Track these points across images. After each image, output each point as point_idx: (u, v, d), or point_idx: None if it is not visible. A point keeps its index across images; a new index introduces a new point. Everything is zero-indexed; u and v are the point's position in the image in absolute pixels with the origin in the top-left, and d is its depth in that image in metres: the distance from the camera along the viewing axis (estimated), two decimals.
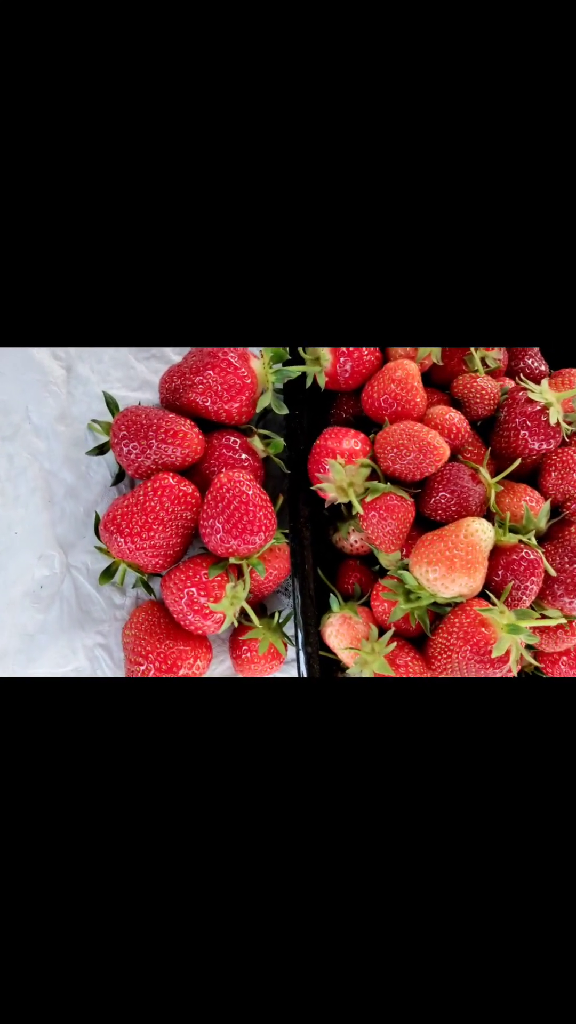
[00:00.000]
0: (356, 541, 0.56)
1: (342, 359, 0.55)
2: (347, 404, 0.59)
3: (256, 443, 0.55)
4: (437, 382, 0.60)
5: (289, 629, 0.55)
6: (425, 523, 0.53)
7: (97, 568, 0.54)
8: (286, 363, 0.55)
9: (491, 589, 0.50)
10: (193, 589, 0.48)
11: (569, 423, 0.55)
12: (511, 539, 0.50)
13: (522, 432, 0.54)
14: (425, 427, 0.51)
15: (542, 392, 0.54)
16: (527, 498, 0.54)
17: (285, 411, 0.55)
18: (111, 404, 0.54)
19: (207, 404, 0.53)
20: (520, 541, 0.50)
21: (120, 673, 0.54)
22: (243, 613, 0.52)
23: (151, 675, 0.48)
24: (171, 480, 0.50)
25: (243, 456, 0.54)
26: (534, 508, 0.53)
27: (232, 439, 0.54)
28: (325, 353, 0.55)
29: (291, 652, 0.55)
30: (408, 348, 0.57)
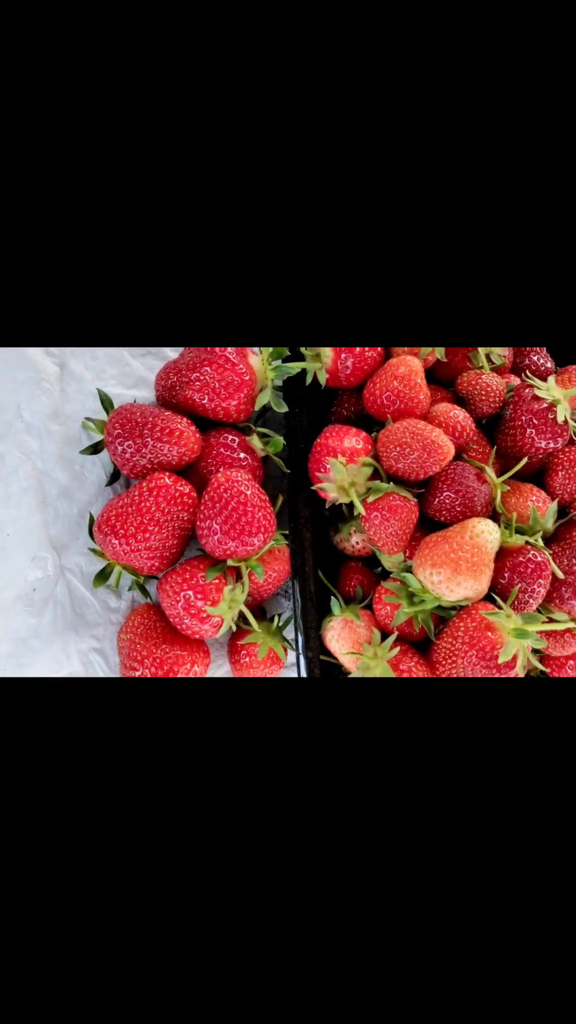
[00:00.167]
0: (358, 542, 0.55)
1: (343, 355, 0.54)
2: (348, 402, 0.58)
3: (255, 442, 0.55)
4: (441, 379, 0.60)
5: (289, 633, 0.54)
6: (429, 524, 0.53)
7: (91, 570, 0.54)
8: (286, 359, 0.54)
9: (497, 592, 0.49)
10: (190, 592, 0.47)
11: None
12: (517, 540, 0.50)
13: (528, 430, 0.53)
14: (429, 425, 0.50)
15: (549, 389, 0.53)
16: (533, 498, 0.53)
17: (285, 409, 0.54)
18: (105, 402, 0.54)
19: (204, 401, 0.52)
20: (527, 542, 0.50)
21: None
22: (242, 617, 0.51)
23: None
24: (167, 480, 0.49)
25: (241, 455, 0.53)
26: (541, 508, 0.53)
27: (230, 438, 0.54)
28: (326, 349, 0.55)
29: (291, 657, 0.55)
30: None
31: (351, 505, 0.53)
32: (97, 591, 0.54)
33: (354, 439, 0.52)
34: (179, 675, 0.49)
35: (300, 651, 0.51)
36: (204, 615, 0.48)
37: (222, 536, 0.47)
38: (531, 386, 0.54)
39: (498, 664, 0.45)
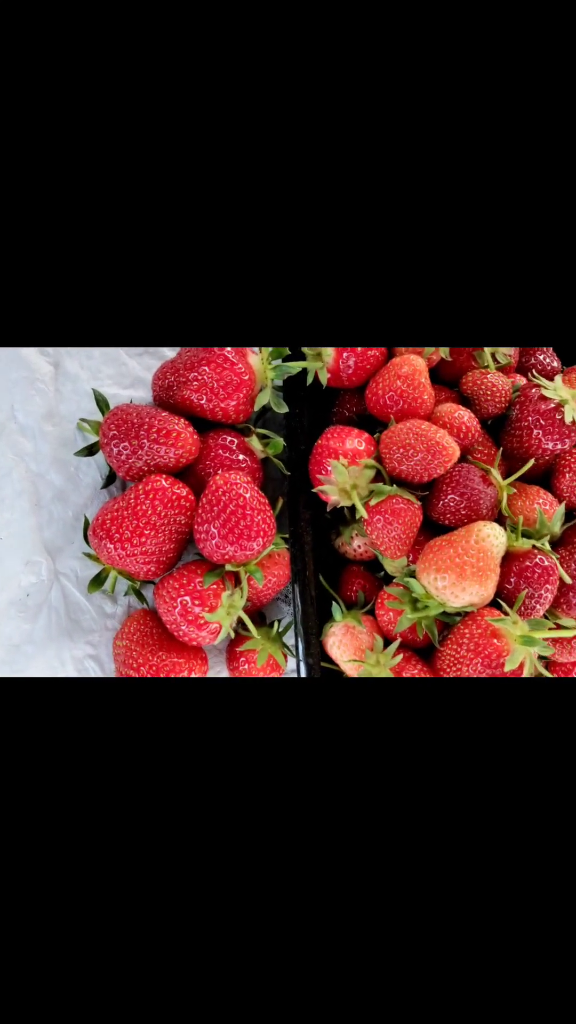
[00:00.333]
0: (360, 546, 0.55)
1: (345, 355, 0.53)
2: (350, 402, 0.58)
3: (254, 443, 0.54)
4: (445, 379, 0.59)
5: (289, 639, 0.54)
6: (433, 527, 0.52)
7: (86, 575, 0.53)
8: (286, 359, 0.54)
9: (503, 597, 0.48)
10: (187, 598, 0.47)
11: None
12: (524, 544, 0.49)
13: (535, 431, 0.53)
14: (433, 426, 0.49)
15: (556, 389, 0.53)
16: (540, 501, 0.53)
17: (285, 409, 0.53)
18: (101, 402, 0.53)
19: (202, 402, 0.52)
20: (533, 547, 0.49)
21: None
22: (240, 622, 0.50)
23: None
24: (164, 482, 0.48)
25: (240, 457, 0.53)
26: (548, 511, 0.52)
27: (229, 439, 0.53)
28: (327, 348, 0.54)
29: (291, 663, 0.54)
30: None
31: (353, 508, 0.53)
32: (92, 596, 0.53)
33: (356, 440, 0.51)
34: None
35: (300, 658, 0.50)
36: (202, 621, 0.47)
37: (220, 540, 0.47)
38: (538, 386, 0.54)
39: (504, 672, 0.45)
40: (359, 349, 0.53)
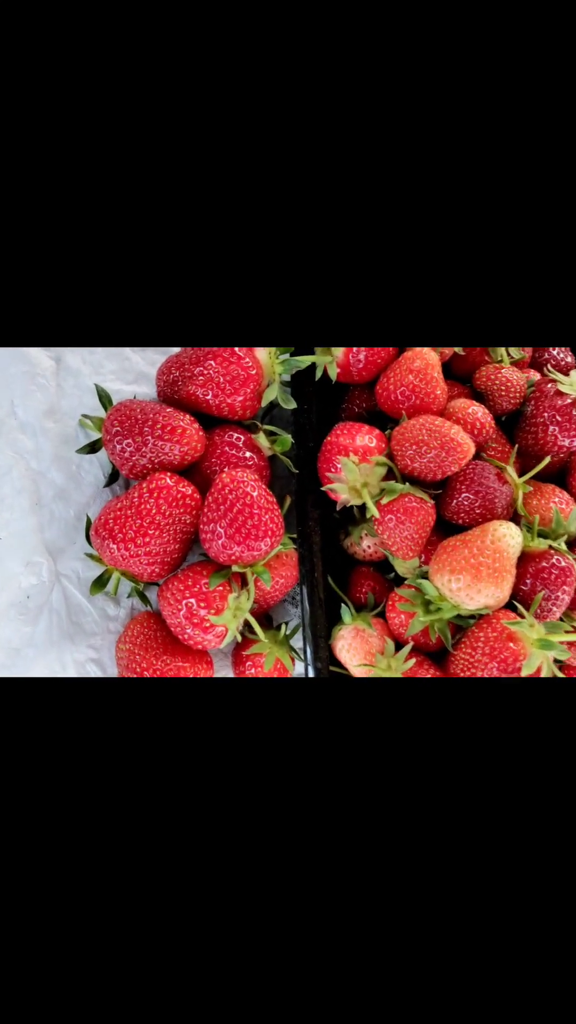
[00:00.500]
0: (369, 546, 0.54)
1: (355, 349, 0.52)
2: (360, 397, 0.57)
3: (261, 440, 0.53)
4: (457, 373, 0.58)
5: (297, 642, 0.53)
6: (445, 527, 0.51)
7: (88, 576, 0.53)
8: (294, 353, 0.53)
9: (518, 599, 0.47)
10: (192, 600, 0.46)
11: None
12: (540, 545, 0.48)
13: (551, 427, 0.52)
14: (447, 422, 0.48)
15: (572, 384, 0.52)
16: (556, 500, 0.52)
17: (293, 405, 0.53)
18: (104, 398, 0.52)
19: (208, 397, 0.51)
20: (550, 547, 0.48)
21: None
22: (247, 625, 0.50)
23: None
24: (169, 480, 0.48)
25: (247, 454, 0.52)
26: (564, 511, 0.51)
27: (235, 436, 0.53)
28: None
29: (299, 667, 0.54)
30: None
31: (363, 507, 0.52)
32: (94, 598, 0.53)
33: (367, 437, 0.50)
34: None
35: (308, 661, 0.49)
36: (207, 624, 0.46)
37: (227, 540, 0.46)
38: (553, 381, 0.53)
39: (521, 677, 0.43)
40: None
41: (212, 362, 0.50)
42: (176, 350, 0.56)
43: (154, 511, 0.47)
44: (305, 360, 0.52)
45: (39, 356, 0.54)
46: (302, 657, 0.51)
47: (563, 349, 0.60)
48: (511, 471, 0.50)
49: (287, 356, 0.52)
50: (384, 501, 0.48)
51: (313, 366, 0.53)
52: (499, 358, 0.56)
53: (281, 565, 0.51)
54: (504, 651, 0.44)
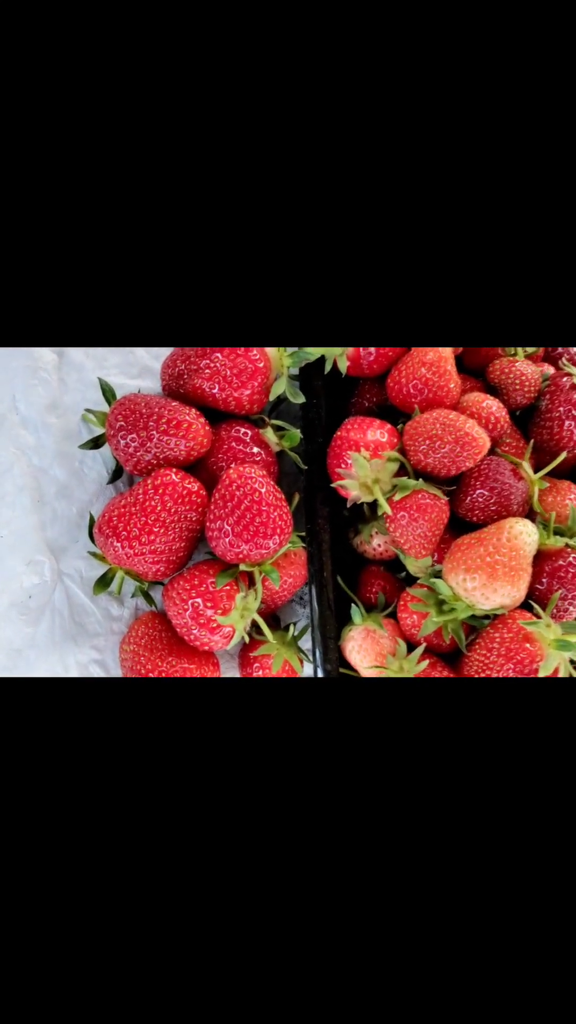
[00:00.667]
0: (380, 544, 0.53)
1: None
2: (371, 391, 0.56)
3: (269, 435, 0.53)
4: (469, 367, 0.57)
5: (305, 643, 0.52)
6: (458, 525, 0.50)
7: (92, 576, 0.52)
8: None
9: (533, 599, 0.46)
10: (198, 600, 0.45)
11: None
12: (556, 542, 0.47)
13: (567, 422, 0.51)
14: (462, 416, 0.47)
15: None
16: (572, 496, 0.51)
17: (302, 399, 0.52)
18: (107, 392, 0.52)
19: (214, 391, 0.51)
20: (567, 545, 0.47)
21: None
22: (254, 626, 0.49)
23: None
24: (174, 477, 0.47)
25: (255, 450, 0.51)
26: None
27: (242, 431, 0.52)
28: None
29: (307, 669, 0.53)
30: None
31: (373, 504, 0.51)
32: (98, 598, 0.52)
33: (378, 432, 0.49)
34: None
35: (317, 663, 0.49)
36: (214, 625, 0.46)
37: (234, 538, 0.45)
38: (569, 375, 0.52)
39: (537, 678, 0.43)
40: None
41: (219, 355, 0.50)
42: None
43: (159, 508, 0.46)
44: (314, 353, 0.51)
45: (41, 350, 0.54)
46: (311, 659, 0.50)
47: None
48: (527, 467, 0.49)
49: (295, 349, 0.51)
50: (396, 498, 0.47)
51: (322, 359, 0.53)
52: (512, 351, 0.55)
53: (289, 564, 0.51)
54: (520, 652, 0.43)
